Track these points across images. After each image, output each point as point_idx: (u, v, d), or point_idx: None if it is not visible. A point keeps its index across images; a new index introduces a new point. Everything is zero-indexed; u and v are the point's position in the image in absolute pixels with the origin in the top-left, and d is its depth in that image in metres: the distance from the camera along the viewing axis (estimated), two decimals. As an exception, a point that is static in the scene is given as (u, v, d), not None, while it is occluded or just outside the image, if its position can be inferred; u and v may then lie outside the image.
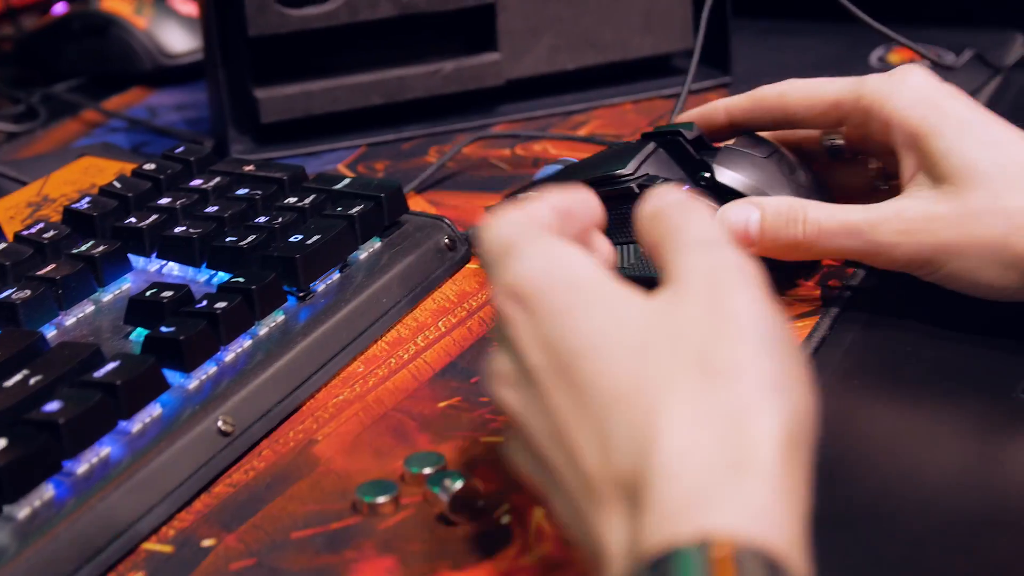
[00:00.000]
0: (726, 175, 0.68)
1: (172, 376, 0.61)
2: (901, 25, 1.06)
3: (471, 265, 0.75)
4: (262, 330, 0.65)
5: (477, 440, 0.60)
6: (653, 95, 0.99)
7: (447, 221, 0.76)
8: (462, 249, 0.75)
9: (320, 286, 0.69)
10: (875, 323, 0.67)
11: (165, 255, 0.71)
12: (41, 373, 0.58)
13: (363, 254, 0.72)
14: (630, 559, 0.41)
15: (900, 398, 0.61)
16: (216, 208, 0.73)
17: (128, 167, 0.82)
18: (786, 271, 0.69)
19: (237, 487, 0.58)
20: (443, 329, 0.69)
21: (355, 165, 0.91)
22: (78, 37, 1.12)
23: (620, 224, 0.66)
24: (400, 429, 0.61)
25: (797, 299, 0.69)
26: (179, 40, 1.11)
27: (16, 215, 0.78)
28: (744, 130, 0.71)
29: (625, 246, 0.68)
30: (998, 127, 0.63)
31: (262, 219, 0.72)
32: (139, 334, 0.65)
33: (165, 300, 0.64)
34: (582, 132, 0.94)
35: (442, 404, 0.63)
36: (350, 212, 0.72)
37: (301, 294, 0.68)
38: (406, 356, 0.67)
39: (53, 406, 0.56)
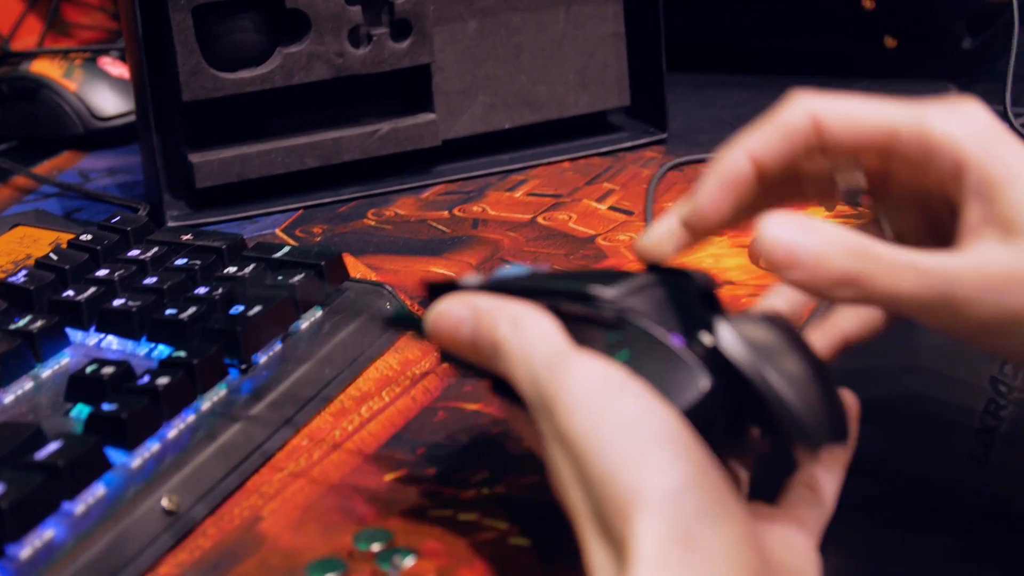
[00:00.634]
0: (730, 343, 0.52)
1: (115, 455, 0.60)
2: (834, 78, 1.07)
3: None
4: (205, 404, 0.65)
5: (426, 513, 0.59)
6: (591, 153, 0.99)
7: (388, 288, 0.75)
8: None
9: (262, 358, 0.68)
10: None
11: (104, 328, 0.70)
12: (-19, 455, 0.57)
13: (304, 323, 0.71)
14: None
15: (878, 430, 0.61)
16: (155, 280, 0.72)
17: (63, 236, 0.81)
18: None
19: (183, 568, 0.57)
20: (387, 399, 0.69)
21: (292, 229, 0.91)
22: (7, 100, 1.12)
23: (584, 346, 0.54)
24: (347, 504, 0.61)
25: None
26: (110, 103, 1.10)
27: (-51, 288, 0.77)
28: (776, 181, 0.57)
29: None
30: None
31: (202, 290, 0.71)
32: (79, 411, 0.64)
33: (106, 377, 0.63)
34: (520, 191, 0.94)
35: (388, 477, 0.62)
36: (291, 282, 0.71)
37: (243, 366, 0.67)
38: (350, 428, 0.67)
39: (-6, 489, 0.55)
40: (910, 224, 0.57)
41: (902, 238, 0.58)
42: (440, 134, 0.97)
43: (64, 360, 0.69)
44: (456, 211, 0.92)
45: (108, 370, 0.64)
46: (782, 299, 0.60)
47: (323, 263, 0.73)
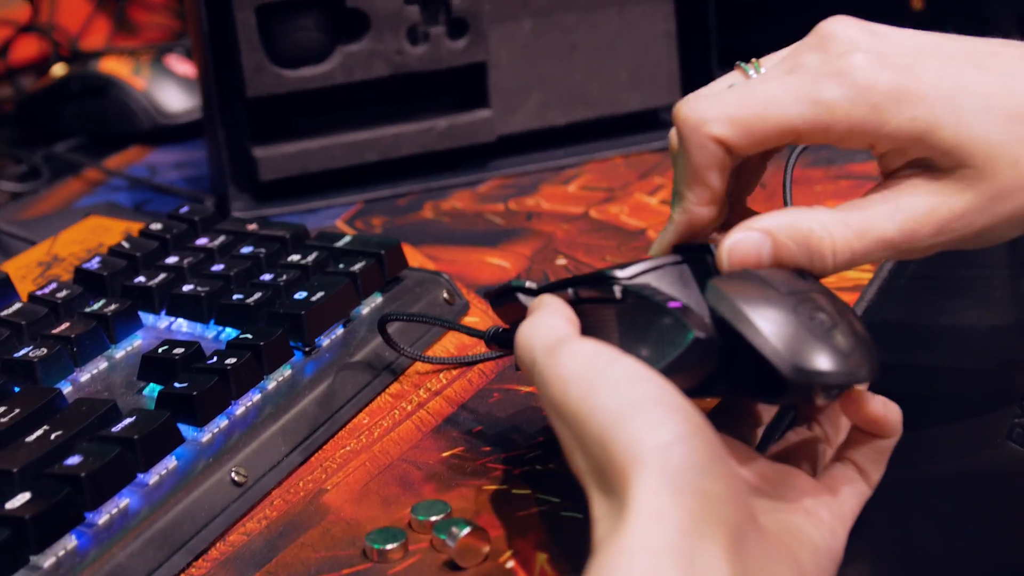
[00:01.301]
0: (711, 295, 0.56)
1: (186, 430, 0.63)
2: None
3: (470, 318, 0.77)
4: (270, 384, 0.68)
5: (481, 488, 0.62)
6: (643, 149, 1.02)
7: (445, 276, 0.78)
8: (460, 303, 0.78)
9: (325, 341, 0.71)
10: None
11: (174, 312, 0.74)
12: (61, 429, 0.60)
13: (365, 309, 0.74)
14: None
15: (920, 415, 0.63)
16: (222, 267, 0.75)
17: (133, 226, 0.84)
18: None
19: (251, 536, 0.60)
20: (444, 381, 0.72)
21: (353, 221, 0.94)
22: (77, 98, 1.15)
23: (599, 328, 0.58)
24: (406, 478, 0.63)
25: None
26: (176, 100, 1.14)
27: (27, 274, 0.81)
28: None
29: None
30: (974, 73, 0.57)
31: (267, 277, 0.74)
32: (152, 389, 0.67)
33: (177, 357, 0.67)
34: (573, 186, 0.97)
35: (445, 454, 0.65)
36: (352, 269, 0.74)
37: (307, 349, 0.70)
38: (409, 408, 0.70)
39: (74, 460, 0.58)
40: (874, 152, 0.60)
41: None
42: (495, 130, 0.99)
43: (137, 342, 0.72)
44: (511, 204, 0.94)
45: (179, 350, 0.67)
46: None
47: (383, 252, 0.76)
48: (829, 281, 0.78)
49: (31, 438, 0.60)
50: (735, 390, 0.56)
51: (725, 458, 0.49)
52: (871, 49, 0.57)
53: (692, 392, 0.55)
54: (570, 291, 0.59)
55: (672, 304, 0.55)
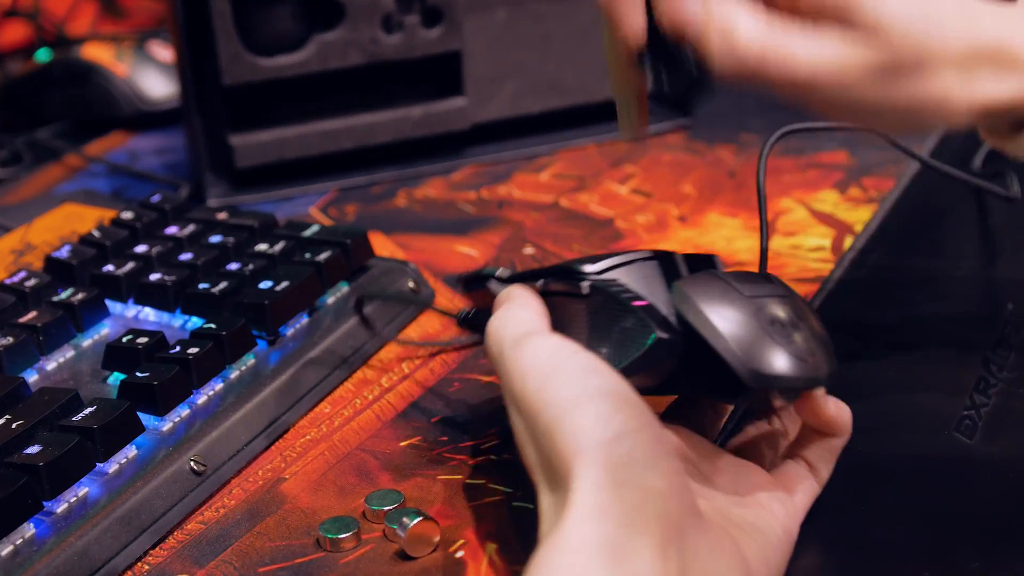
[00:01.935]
0: (676, 296, 0.57)
1: (147, 419, 0.64)
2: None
3: (435, 308, 0.78)
4: (233, 373, 0.69)
5: (435, 478, 0.63)
6: (615, 137, 1.02)
7: (411, 265, 0.79)
8: (426, 291, 0.79)
9: (289, 330, 0.72)
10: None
11: (141, 301, 0.75)
12: (23, 418, 0.61)
13: (331, 298, 0.75)
14: None
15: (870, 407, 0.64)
16: (190, 255, 0.76)
17: (108, 214, 0.85)
18: None
19: (208, 524, 0.61)
20: (406, 371, 0.73)
21: (327, 209, 0.95)
22: (61, 84, 1.16)
23: (568, 322, 0.59)
24: (363, 468, 0.65)
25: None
26: (158, 86, 1.15)
27: (0, 261, 0.82)
28: None
29: None
30: None
31: (234, 266, 0.75)
32: (116, 378, 0.68)
33: (140, 346, 0.68)
34: (545, 174, 0.98)
35: (403, 443, 0.66)
36: (317, 259, 0.75)
37: (271, 338, 0.71)
38: (371, 397, 0.71)
39: (34, 449, 0.59)
40: None
41: None
42: (470, 118, 1.00)
43: (104, 330, 0.73)
44: (483, 192, 0.95)
45: (142, 340, 0.68)
46: None
47: (349, 241, 0.77)
48: (789, 272, 0.79)
49: (-7, 427, 0.61)
50: (695, 388, 0.58)
51: (670, 455, 0.50)
52: None
53: (653, 390, 0.56)
54: (540, 283, 0.60)
55: (637, 303, 0.57)
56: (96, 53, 1.16)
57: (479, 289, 0.66)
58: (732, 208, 0.89)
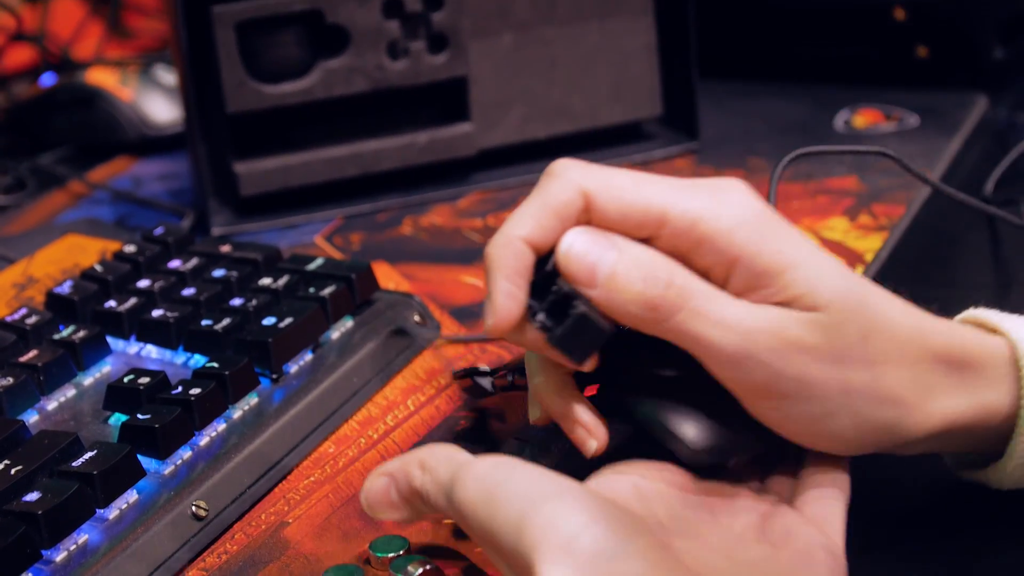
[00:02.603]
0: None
1: (148, 462, 0.63)
2: (864, 87, 1.09)
3: (441, 341, 0.77)
4: (236, 413, 0.68)
5: (441, 523, 0.62)
6: (623, 161, 1.02)
7: (417, 299, 0.78)
8: (431, 325, 0.78)
9: (293, 367, 0.72)
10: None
11: (144, 338, 0.74)
12: (22, 463, 0.61)
13: (335, 334, 0.75)
14: None
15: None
16: (193, 290, 0.76)
17: (111, 245, 0.85)
18: None
19: (210, 571, 0.61)
20: (412, 408, 0.72)
21: (332, 237, 0.94)
22: (65, 108, 1.15)
23: None
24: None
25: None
26: (163, 111, 1.14)
27: (1, 296, 0.81)
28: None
29: None
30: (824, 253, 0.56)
31: (237, 301, 0.74)
32: (118, 419, 0.67)
33: (142, 387, 0.67)
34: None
35: (408, 485, 0.65)
36: (321, 294, 0.74)
37: (274, 376, 0.71)
38: (375, 436, 0.70)
39: (33, 496, 0.58)
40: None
41: None
42: (476, 144, 0.99)
43: (106, 368, 0.73)
44: (489, 219, 0.94)
45: (144, 380, 0.67)
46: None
47: (353, 276, 0.76)
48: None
49: (-8, 473, 0.60)
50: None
51: (641, 532, 0.48)
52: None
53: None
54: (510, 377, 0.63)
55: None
56: (101, 78, 1.16)
57: (472, 383, 0.71)
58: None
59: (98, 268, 0.79)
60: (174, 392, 0.67)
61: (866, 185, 0.93)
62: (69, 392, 0.70)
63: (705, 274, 0.55)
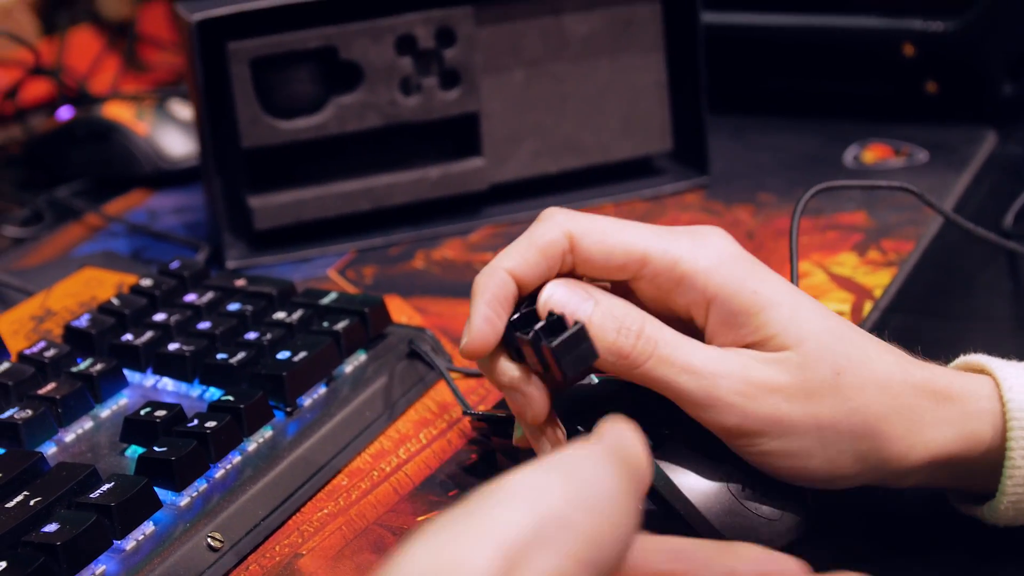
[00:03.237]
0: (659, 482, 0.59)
1: (164, 494, 0.64)
2: (874, 123, 1.10)
3: (453, 372, 0.78)
4: (251, 446, 0.69)
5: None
6: (633, 196, 1.03)
7: (429, 332, 0.79)
8: (443, 359, 0.79)
9: (307, 401, 0.73)
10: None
11: (160, 371, 0.75)
12: (40, 495, 0.62)
13: (348, 367, 0.76)
14: None
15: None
16: (208, 324, 0.77)
17: (127, 279, 0.86)
18: None
19: (225, 603, 0.62)
20: (424, 441, 0.73)
21: (345, 271, 0.95)
22: (82, 142, 1.17)
23: None
24: (380, 544, 0.64)
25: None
26: (178, 145, 1.15)
27: (20, 329, 0.82)
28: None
29: None
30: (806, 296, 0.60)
31: (252, 335, 0.75)
32: (134, 450, 0.68)
33: (158, 419, 0.68)
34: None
35: (420, 519, 0.66)
36: (335, 328, 0.75)
37: (288, 409, 0.71)
38: (388, 469, 0.71)
39: (51, 528, 0.59)
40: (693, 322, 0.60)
41: None
42: (488, 178, 1.00)
43: (123, 401, 0.74)
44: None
45: (160, 413, 0.68)
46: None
47: (367, 310, 0.77)
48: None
49: (11, 504, 0.61)
50: None
51: None
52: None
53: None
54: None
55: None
56: (117, 112, 1.17)
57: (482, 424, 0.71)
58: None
59: (115, 302, 0.80)
60: (190, 425, 0.67)
61: (875, 221, 0.94)
62: (86, 424, 0.71)
63: (686, 313, 0.59)
